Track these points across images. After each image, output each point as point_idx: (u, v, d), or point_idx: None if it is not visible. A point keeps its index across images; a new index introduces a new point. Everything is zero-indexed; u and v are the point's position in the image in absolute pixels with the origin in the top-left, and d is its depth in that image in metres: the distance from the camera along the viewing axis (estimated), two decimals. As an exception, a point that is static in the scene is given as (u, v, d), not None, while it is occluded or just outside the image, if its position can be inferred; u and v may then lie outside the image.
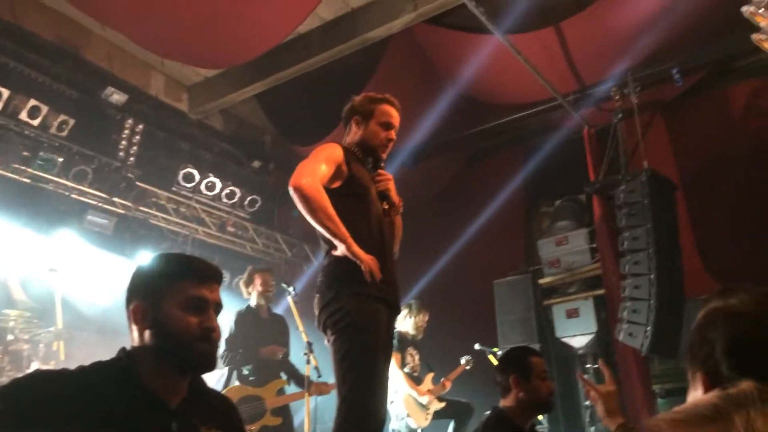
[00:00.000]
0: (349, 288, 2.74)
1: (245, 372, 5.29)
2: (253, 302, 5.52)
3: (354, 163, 2.94)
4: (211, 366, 1.71)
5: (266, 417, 5.10)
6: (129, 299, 1.72)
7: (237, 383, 5.25)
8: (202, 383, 1.80)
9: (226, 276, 7.78)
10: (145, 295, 1.69)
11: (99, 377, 1.60)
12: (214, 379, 7.45)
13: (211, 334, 1.68)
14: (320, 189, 2.70)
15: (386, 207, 3.01)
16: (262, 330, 5.39)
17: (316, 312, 2.84)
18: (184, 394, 1.70)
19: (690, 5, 5.51)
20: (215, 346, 1.71)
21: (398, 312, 3.00)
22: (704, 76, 6.48)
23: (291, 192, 2.69)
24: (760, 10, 4.36)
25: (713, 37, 6.01)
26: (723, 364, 1.10)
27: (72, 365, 1.66)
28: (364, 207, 2.89)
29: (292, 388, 5.47)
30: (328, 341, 2.78)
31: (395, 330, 5.78)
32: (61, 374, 1.61)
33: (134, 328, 1.69)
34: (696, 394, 1.14)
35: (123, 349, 1.71)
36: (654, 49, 6.05)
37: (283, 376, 5.40)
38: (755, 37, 4.65)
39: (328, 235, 2.73)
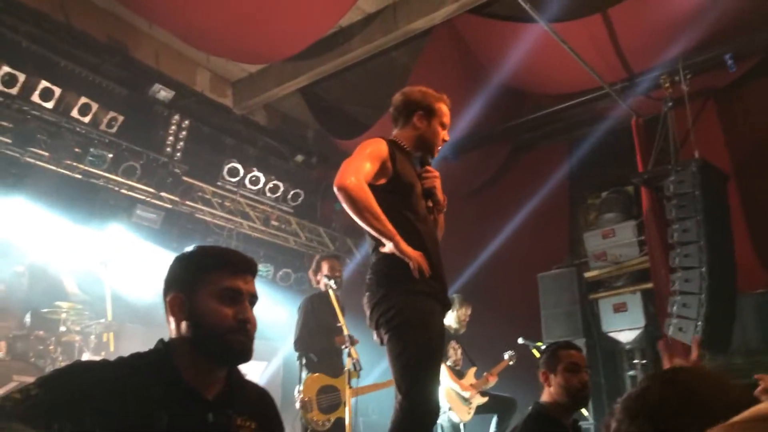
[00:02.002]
0: (399, 285, 2.72)
1: (314, 358, 5.31)
2: (322, 288, 5.53)
3: (399, 159, 2.90)
4: (246, 357, 1.71)
5: (341, 408, 5.09)
6: (166, 290, 1.73)
7: (305, 371, 5.28)
8: (240, 375, 1.81)
9: (269, 269, 7.89)
10: (182, 287, 1.70)
11: (137, 368, 1.63)
12: (264, 371, 7.59)
13: (246, 325, 1.68)
14: (365, 188, 2.68)
15: (430, 205, 2.99)
16: (333, 317, 5.18)
17: (367, 311, 2.83)
18: (220, 386, 1.71)
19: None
20: (251, 338, 1.71)
21: (449, 307, 2.99)
22: (758, 62, 6.22)
23: (336, 192, 2.68)
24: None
25: (767, 22, 5.77)
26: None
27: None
28: (409, 204, 2.86)
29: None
30: (381, 339, 2.78)
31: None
32: (100, 365, 1.64)
33: (171, 319, 1.71)
34: None
35: (161, 341, 1.73)
36: (705, 35, 5.85)
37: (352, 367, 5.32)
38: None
39: (375, 234, 2.72)
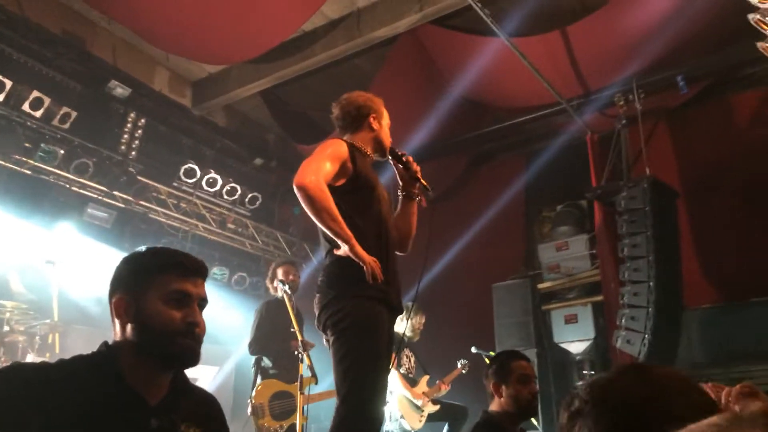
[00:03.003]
0: (350, 289, 2.73)
1: (268, 363, 5.27)
2: (279, 295, 5.49)
3: (360, 160, 2.93)
4: (193, 361, 1.67)
5: (294, 415, 5.03)
6: (112, 292, 1.69)
7: (259, 376, 5.23)
8: (185, 379, 1.77)
9: (225, 272, 7.79)
10: (128, 288, 1.66)
11: (78, 370, 1.58)
12: (216, 376, 7.48)
13: (194, 329, 1.65)
14: (324, 188, 2.68)
15: (419, 189, 3.07)
16: (288, 322, 5.11)
17: (317, 311, 2.82)
18: (165, 391, 1.67)
19: (696, 12, 5.49)
20: (198, 342, 1.68)
21: (400, 312, 2.98)
22: (709, 84, 6.45)
23: (295, 190, 2.68)
24: (767, 18, 4.32)
25: (719, 45, 5.98)
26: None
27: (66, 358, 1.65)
28: (368, 205, 2.88)
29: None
30: (328, 341, 2.77)
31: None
32: (40, 366, 1.59)
33: (116, 321, 1.67)
34: None
35: (105, 343, 1.69)
36: (659, 56, 6.03)
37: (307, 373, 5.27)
38: (761, 45, 4.62)
39: (331, 235, 2.73)
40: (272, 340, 5.30)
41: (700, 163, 6.68)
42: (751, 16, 4.33)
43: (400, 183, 3.17)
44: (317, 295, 2.84)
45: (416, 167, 3.09)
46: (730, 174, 6.40)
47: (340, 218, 2.69)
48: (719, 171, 6.48)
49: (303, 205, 2.68)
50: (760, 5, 4.16)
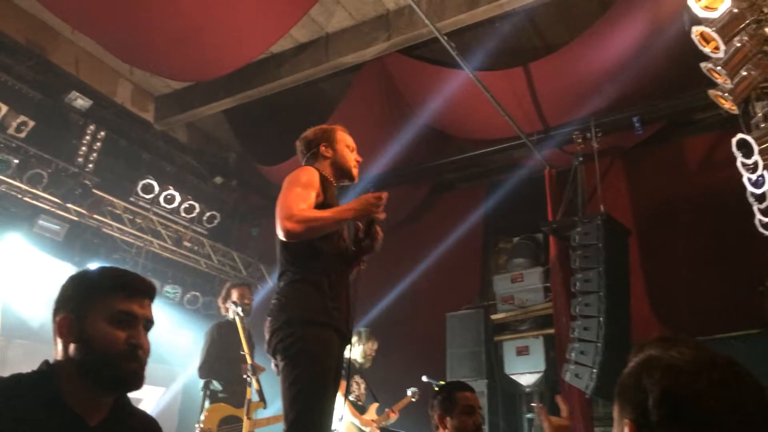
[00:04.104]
0: (300, 314, 2.72)
1: (217, 386, 5.17)
2: (231, 316, 5.40)
3: (329, 189, 2.98)
4: (136, 385, 1.65)
5: None
6: (56, 310, 1.66)
7: (208, 400, 5.12)
8: (127, 402, 1.74)
9: (177, 291, 7.65)
10: (73, 307, 1.64)
11: (17, 389, 1.55)
12: (162, 397, 7.30)
13: (137, 351, 1.63)
14: (306, 217, 2.71)
15: (368, 235, 2.95)
16: (239, 345, 5.06)
17: (267, 336, 2.80)
18: (106, 413, 1.64)
19: (653, 58, 5.69)
20: (142, 364, 1.66)
21: (349, 341, 2.97)
22: (664, 127, 6.67)
23: (287, 239, 2.72)
24: (717, 68, 4.50)
25: (676, 90, 6.19)
26: (653, 414, 1.10)
27: (7, 373, 1.60)
28: (331, 234, 2.88)
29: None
30: (276, 366, 2.75)
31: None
32: (-24, 384, 1.55)
33: (59, 340, 1.64)
34: None
35: (46, 362, 1.65)
36: (617, 97, 6.22)
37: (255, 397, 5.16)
38: (712, 93, 4.80)
39: (336, 226, 2.81)
40: (222, 363, 5.21)
41: (652, 201, 6.87)
42: (703, 65, 4.51)
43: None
44: (268, 318, 2.82)
45: (381, 213, 2.92)
46: (681, 213, 6.59)
47: (325, 214, 2.75)
48: (671, 210, 6.67)
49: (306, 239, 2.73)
50: (713, 54, 4.34)
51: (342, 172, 3.14)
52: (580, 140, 6.49)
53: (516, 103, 6.40)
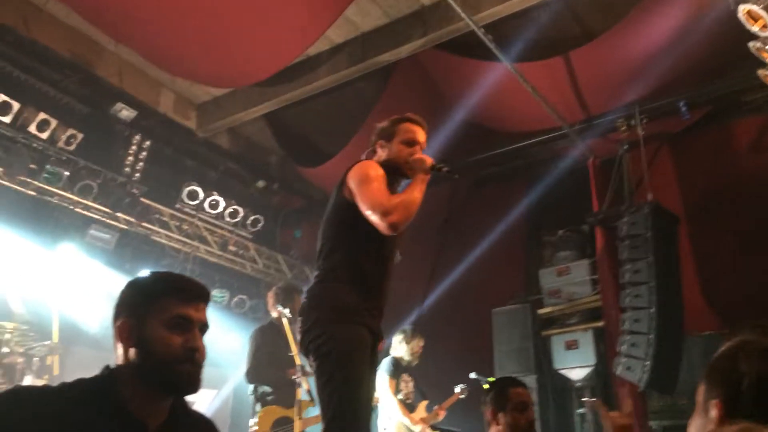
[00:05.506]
0: (331, 312, 2.73)
1: (266, 389, 5.20)
2: (274, 317, 5.39)
3: (387, 182, 2.94)
4: (194, 388, 1.68)
5: None
6: (116, 315, 1.70)
7: (258, 403, 5.18)
8: (184, 404, 1.78)
9: (225, 295, 7.78)
10: (132, 312, 1.67)
11: (80, 395, 1.58)
12: (214, 399, 7.43)
13: (194, 354, 1.66)
14: (398, 204, 2.74)
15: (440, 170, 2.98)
16: (287, 347, 4.95)
17: (299, 336, 2.82)
18: (165, 416, 1.68)
19: (698, 39, 5.53)
20: (199, 367, 1.68)
21: (380, 337, 2.97)
22: (711, 111, 6.49)
23: (392, 232, 2.73)
24: (767, 47, 4.37)
25: (721, 72, 6.03)
26: (747, 396, 1.09)
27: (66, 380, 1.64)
28: (378, 234, 2.79)
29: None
30: (311, 366, 2.77)
31: (390, 356, 5.73)
32: (42, 390, 1.60)
33: (119, 345, 1.68)
34: (700, 422, 1.14)
35: (107, 367, 1.69)
36: (662, 82, 6.08)
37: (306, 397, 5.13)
38: (761, 72, 4.66)
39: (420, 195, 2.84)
40: (269, 367, 5.22)
41: (701, 188, 6.70)
42: (751, 44, 4.38)
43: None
44: (299, 318, 2.84)
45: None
46: (731, 199, 6.41)
47: (408, 196, 2.80)
48: (721, 196, 6.49)
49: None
50: (761, 33, 4.21)
51: (395, 170, 3.04)
52: (624, 128, 6.36)
53: (557, 93, 6.30)
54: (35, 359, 5.39)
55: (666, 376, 5.24)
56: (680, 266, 5.84)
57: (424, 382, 6.07)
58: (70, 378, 1.66)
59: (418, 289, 7.25)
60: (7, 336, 5.29)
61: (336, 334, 2.68)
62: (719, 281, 6.22)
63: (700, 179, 6.74)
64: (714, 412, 1.12)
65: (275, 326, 5.31)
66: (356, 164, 2.94)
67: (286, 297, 5.40)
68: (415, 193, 2.82)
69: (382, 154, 3.09)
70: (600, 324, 6.32)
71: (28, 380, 5.15)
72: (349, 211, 2.81)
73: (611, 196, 6.47)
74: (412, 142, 3.08)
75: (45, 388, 1.62)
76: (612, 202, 6.43)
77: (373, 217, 2.71)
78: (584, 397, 6.29)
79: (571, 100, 6.49)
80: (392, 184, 3.02)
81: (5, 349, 5.25)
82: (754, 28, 4.16)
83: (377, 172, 2.87)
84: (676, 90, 6.19)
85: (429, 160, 2.94)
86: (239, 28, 5.72)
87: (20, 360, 5.29)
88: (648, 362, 5.11)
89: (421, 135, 3.13)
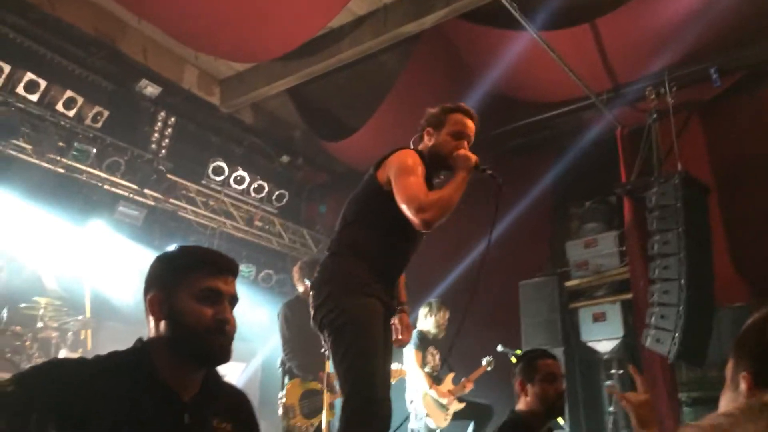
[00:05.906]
0: (343, 285, 2.73)
1: (295, 363, 5.21)
2: (301, 291, 5.45)
3: (425, 172, 2.87)
4: (224, 359, 1.70)
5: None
6: (146, 289, 1.72)
7: (287, 376, 5.24)
8: (217, 376, 1.80)
9: (251, 270, 7.86)
10: (162, 286, 1.69)
11: (114, 367, 1.62)
12: (243, 372, 7.55)
13: (224, 326, 1.68)
14: (434, 202, 2.67)
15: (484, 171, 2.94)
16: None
17: (312, 311, 2.80)
18: (197, 387, 1.70)
19: (729, 4, 5.37)
20: (229, 339, 1.70)
21: (393, 311, 2.98)
22: (742, 78, 6.31)
23: (426, 229, 2.69)
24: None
25: (753, 38, 5.85)
26: None
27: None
28: (405, 223, 2.73)
29: None
30: (325, 341, 2.76)
31: (416, 329, 5.74)
32: (78, 363, 1.63)
33: (150, 318, 1.70)
34: (730, 395, 1.12)
35: (140, 340, 1.72)
36: (691, 49, 5.92)
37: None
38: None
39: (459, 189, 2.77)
40: (299, 341, 5.28)
41: (732, 157, 6.54)
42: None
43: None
44: (311, 292, 2.83)
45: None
46: (763, 168, 6.26)
47: (448, 192, 2.73)
48: (752, 165, 6.33)
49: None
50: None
51: (438, 161, 2.95)
52: (653, 96, 6.21)
53: (583, 62, 6.18)
54: (69, 334, 5.53)
55: (695, 348, 5.19)
56: (711, 237, 5.73)
57: (451, 354, 6.07)
58: (103, 352, 1.69)
59: (444, 263, 7.23)
60: (41, 311, 5.43)
61: (349, 307, 2.67)
62: (750, 252, 6.10)
63: (730, 148, 6.58)
64: (743, 385, 1.10)
65: (302, 300, 5.35)
66: (398, 150, 2.87)
67: (311, 271, 5.41)
68: (454, 191, 2.73)
69: (428, 142, 3.01)
70: (628, 296, 6.25)
71: (62, 354, 5.30)
72: (379, 196, 2.77)
73: (640, 166, 6.35)
74: (460, 135, 2.98)
75: (80, 360, 1.65)
76: (640, 172, 6.32)
77: (408, 211, 2.66)
78: (612, 369, 6.26)
79: (599, 68, 6.36)
80: (431, 176, 2.95)
81: (40, 324, 5.39)
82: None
83: (415, 160, 2.80)
84: (707, 56, 6.02)
85: (473, 159, 2.85)
86: (262, 1, 5.68)
87: (54, 335, 5.43)
88: (677, 334, 5.05)
89: (470, 128, 3.03)
